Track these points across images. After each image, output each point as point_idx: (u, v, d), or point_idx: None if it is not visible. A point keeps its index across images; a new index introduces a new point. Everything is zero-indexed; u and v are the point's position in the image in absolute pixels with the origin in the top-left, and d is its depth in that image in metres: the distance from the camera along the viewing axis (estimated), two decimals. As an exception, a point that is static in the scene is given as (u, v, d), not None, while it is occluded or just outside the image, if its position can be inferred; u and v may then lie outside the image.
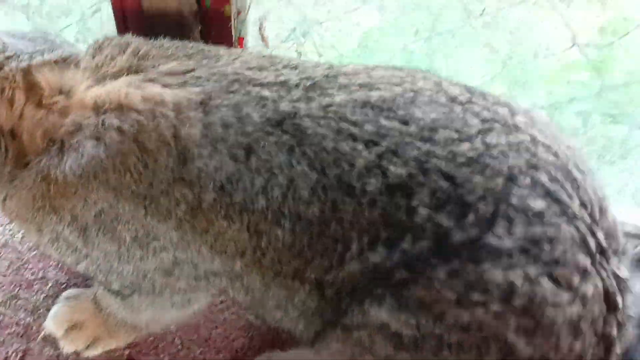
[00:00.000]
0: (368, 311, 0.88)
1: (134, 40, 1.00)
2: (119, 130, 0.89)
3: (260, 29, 1.32)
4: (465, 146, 0.84)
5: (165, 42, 1.02)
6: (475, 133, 0.85)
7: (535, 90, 2.24)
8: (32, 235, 1.04)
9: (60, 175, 0.91)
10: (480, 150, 0.83)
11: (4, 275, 1.38)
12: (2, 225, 1.47)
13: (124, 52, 0.98)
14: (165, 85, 0.92)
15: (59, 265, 1.40)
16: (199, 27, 1.24)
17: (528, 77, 2.12)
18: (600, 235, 0.87)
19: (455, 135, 0.84)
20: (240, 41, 1.29)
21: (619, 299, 0.87)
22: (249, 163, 0.88)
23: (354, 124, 0.85)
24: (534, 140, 0.88)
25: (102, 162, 0.89)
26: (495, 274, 0.81)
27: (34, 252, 1.43)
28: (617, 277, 0.88)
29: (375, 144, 0.84)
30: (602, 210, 0.89)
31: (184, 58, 0.96)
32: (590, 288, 0.84)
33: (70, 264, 1.05)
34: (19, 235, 1.46)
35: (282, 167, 0.87)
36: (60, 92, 0.95)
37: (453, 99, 0.88)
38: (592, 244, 0.85)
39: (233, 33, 1.26)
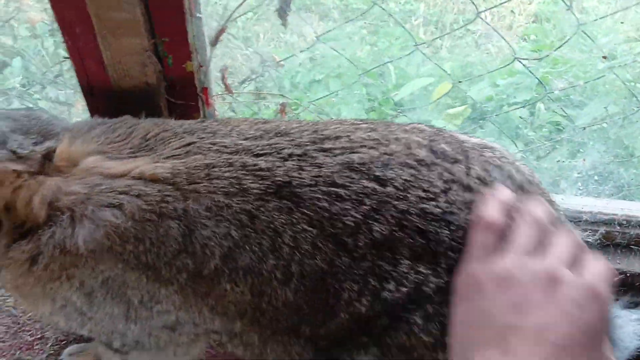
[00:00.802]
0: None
1: (141, 122, 1.07)
2: (141, 198, 0.94)
3: (222, 78, 1.38)
4: (432, 204, 0.92)
5: (168, 122, 1.07)
6: (439, 192, 0.92)
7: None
8: (38, 304, 1.05)
9: (74, 247, 0.94)
10: (444, 207, 0.91)
11: (3, 341, 1.42)
12: (-7, 291, 1.51)
13: (133, 132, 1.03)
14: (174, 159, 0.98)
15: (56, 324, 1.46)
16: (165, 85, 1.31)
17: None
18: None
19: (424, 195, 0.92)
20: (205, 91, 1.35)
21: None
22: (254, 226, 0.93)
23: (342, 186, 0.92)
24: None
25: (120, 230, 0.93)
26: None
27: (29, 314, 1.48)
28: None
29: (361, 203, 0.91)
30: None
31: (186, 135, 1.02)
32: None
33: (75, 327, 1.09)
34: (12, 299, 1.50)
35: (285, 226, 0.92)
36: (66, 160, 0.98)
37: (420, 162, 0.95)
38: None
39: (197, 85, 1.33)
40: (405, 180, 0.93)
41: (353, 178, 0.93)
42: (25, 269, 0.98)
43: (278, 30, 2.31)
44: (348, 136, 0.98)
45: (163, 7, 1.16)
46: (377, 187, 0.92)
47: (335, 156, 0.95)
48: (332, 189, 0.92)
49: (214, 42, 1.28)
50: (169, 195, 0.94)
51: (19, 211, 0.96)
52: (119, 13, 1.15)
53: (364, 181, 0.92)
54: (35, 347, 1.42)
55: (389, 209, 0.91)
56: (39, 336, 1.44)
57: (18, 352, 1.41)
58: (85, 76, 1.31)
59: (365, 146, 0.96)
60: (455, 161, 0.97)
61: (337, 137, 0.98)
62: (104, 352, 1.26)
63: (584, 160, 1.75)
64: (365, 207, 0.91)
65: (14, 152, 0.96)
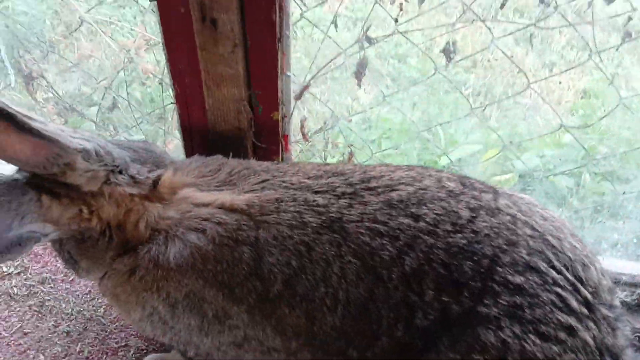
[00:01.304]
0: None
1: (229, 161, 1.25)
2: (221, 226, 1.11)
3: (301, 127, 1.60)
4: (458, 236, 1.04)
5: (250, 162, 1.25)
6: (466, 222, 1.05)
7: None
8: (130, 311, 1.22)
9: (165, 262, 1.11)
10: (469, 238, 1.04)
11: (92, 346, 1.62)
12: (86, 302, 1.72)
13: (221, 169, 1.22)
14: (251, 193, 1.16)
15: (138, 334, 1.64)
16: (253, 130, 1.53)
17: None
18: (585, 291, 1.05)
19: (451, 228, 1.05)
20: (285, 138, 1.57)
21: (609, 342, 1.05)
22: (311, 256, 1.08)
23: (382, 223, 1.06)
24: (513, 218, 1.07)
25: (202, 251, 1.11)
26: (488, 335, 1.00)
27: (116, 324, 1.67)
28: (608, 320, 1.05)
29: (397, 238, 1.05)
30: (586, 266, 1.07)
31: (263, 173, 1.20)
32: (577, 340, 1.02)
33: (158, 335, 1.24)
34: (102, 309, 1.71)
35: (335, 258, 1.07)
36: (168, 188, 1.17)
37: (449, 193, 1.09)
38: (574, 302, 1.03)
39: (280, 132, 1.55)
40: (436, 214, 1.07)
41: (392, 215, 1.07)
42: (125, 279, 1.16)
43: (351, 90, 2.52)
44: (390, 175, 1.14)
45: (261, 64, 1.40)
46: (411, 222, 1.06)
47: (378, 195, 1.11)
48: (374, 225, 1.07)
49: (298, 96, 1.51)
50: (244, 224, 1.11)
51: (127, 231, 1.15)
52: (225, 68, 1.39)
53: (401, 218, 1.07)
54: (119, 354, 1.60)
55: (419, 244, 1.05)
56: (123, 344, 1.62)
57: (104, 357, 1.59)
58: (187, 119, 1.55)
59: (403, 183, 1.12)
60: (483, 191, 1.11)
61: (381, 177, 1.14)
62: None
63: (624, 223, 1.87)
64: (400, 242, 1.05)
65: (132, 178, 1.15)
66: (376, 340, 1.08)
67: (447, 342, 1.03)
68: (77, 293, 1.74)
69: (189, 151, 1.61)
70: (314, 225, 1.09)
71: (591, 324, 1.04)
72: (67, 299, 1.72)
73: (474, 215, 1.07)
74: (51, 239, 1.13)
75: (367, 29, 1.36)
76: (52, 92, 2.15)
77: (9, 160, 1.00)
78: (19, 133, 0.97)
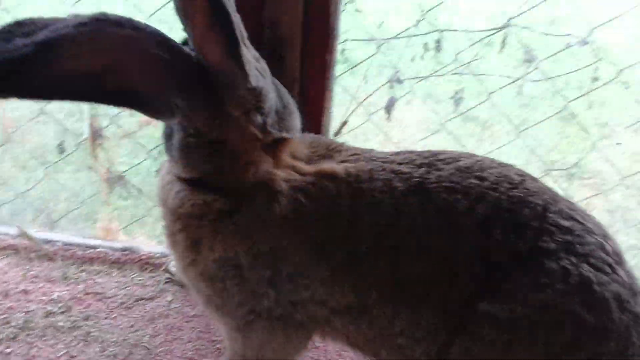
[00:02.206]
0: (478, 308, 1.20)
1: (325, 138, 1.48)
2: (322, 190, 1.28)
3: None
4: (515, 191, 1.27)
5: (341, 142, 1.46)
6: (518, 183, 1.28)
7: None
8: (206, 249, 1.29)
9: (266, 213, 1.25)
10: (524, 192, 1.26)
11: (140, 368, 1.66)
12: (131, 333, 1.79)
13: (320, 144, 1.42)
14: (347, 163, 1.34)
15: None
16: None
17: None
18: (610, 247, 1.25)
19: (509, 185, 1.27)
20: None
21: (636, 289, 1.24)
22: (399, 215, 1.26)
23: (456, 182, 1.27)
24: (548, 187, 1.33)
25: (303, 210, 1.26)
26: (551, 264, 1.18)
27: (161, 349, 1.73)
28: (629, 276, 1.24)
29: (468, 194, 1.26)
30: (607, 236, 1.28)
31: (352, 149, 1.40)
32: (617, 277, 1.20)
33: (216, 289, 1.32)
34: (147, 337, 1.77)
35: (419, 214, 1.25)
36: (286, 153, 1.32)
37: (500, 164, 1.35)
38: (609, 249, 1.24)
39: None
40: (496, 177, 1.30)
41: (462, 177, 1.29)
42: (218, 218, 1.28)
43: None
44: (451, 153, 1.39)
45: (312, 99, 1.73)
46: (478, 182, 1.28)
47: (448, 164, 1.33)
48: (450, 184, 1.28)
49: (337, 132, 1.82)
50: (343, 190, 1.29)
51: (235, 166, 1.26)
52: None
53: (470, 179, 1.29)
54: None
55: (486, 197, 1.26)
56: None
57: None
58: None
59: (464, 157, 1.36)
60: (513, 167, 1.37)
61: (445, 153, 1.38)
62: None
63: None
64: (471, 196, 1.26)
65: (265, 125, 1.27)
66: (457, 279, 1.23)
67: (519, 272, 1.20)
68: (121, 326, 1.81)
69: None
70: (401, 189, 1.28)
71: (621, 270, 1.23)
72: (111, 331, 1.79)
73: (523, 178, 1.31)
74: (177, 117, 1.21)
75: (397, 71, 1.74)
76: None
77: (197, 47, 1.13)
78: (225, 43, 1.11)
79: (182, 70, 1.15)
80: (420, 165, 1.33)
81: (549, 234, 1.22)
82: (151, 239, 2.28)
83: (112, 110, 2.11)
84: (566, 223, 1.24)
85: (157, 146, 2.16)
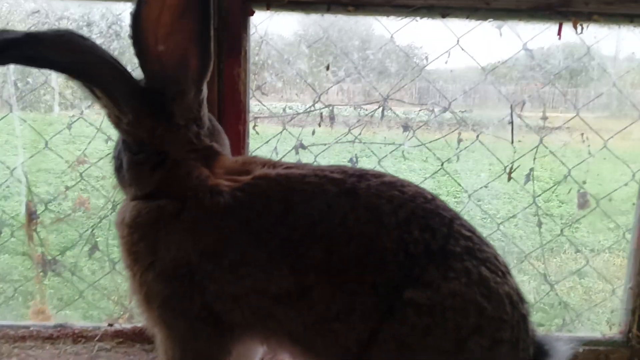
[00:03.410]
0: (404, 295, 1.38)
1: (260, 157, 1.65)
2: (256, 187, 1.48)
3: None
4: (428, 205, 1.47)
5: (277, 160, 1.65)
6: (431, 199, 1.51)
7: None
8: (160, 249, 1.46)
9: (211, 206, 1.44)
10: (435, 206, 1.49)
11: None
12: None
13: (256, 161, 1.61)
14: (280, 170, 1.53)
15: None
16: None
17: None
18: (501, 259, 1.51)
19: (423, 200, 1.49)
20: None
21: (522, 296, 1.49)
22: (330, 211, 1.44)
23: (382, 192, 1.47)
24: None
25: (241, 201, 1.45)
26: (457, 263, 1.41)
27: None
28: (516, 286, 1.50)
29: (392, 201, 1.46)
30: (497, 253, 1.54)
31: (285, 163, 1.61)
32: (508, 282, 1.45)
33: (166, 287, 1.46)
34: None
35: (350, 211, 1.44)
36: (220, 168, 1.53)
37: (416, 185, 1.55)
38: (501, 260, 1.50)
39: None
40: (415, 191, 1.50)
41: (387, 188, 1.49)
42: (169, 219, 1.47)
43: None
44: (377, 172, 1.57)
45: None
46: (400, 194, 1.48)
47: (376, 177, 1.52)
48: (377, 191, 1.47)
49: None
50: (274, 187, 1.48)
51: (178, 174, 1.50)
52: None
53: (393, 191, 1.48)
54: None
55: (406, 205, 1.46)
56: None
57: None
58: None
59: (388, 176, 1.55)
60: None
61: (372, 171, 1.56)
62: None
63: None
64: (394, 203, 1.46)
65: (201, 137, 1.54)
66: (385, 265, 1.41)
67: (432, 267, 1.40)
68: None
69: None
70: (334, 191, 1.47)
71: (510, 279, 1.49)
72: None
73: (434, 197, 1.54)
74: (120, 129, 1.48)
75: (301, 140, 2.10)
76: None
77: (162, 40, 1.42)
78: (197, 45, 1.44)
79: (133, 85, 1.44)
80: (351, 176, 1.52)
81: (455, 239, 1.45)
82: (85, 318, 2.38)
83: (47, 195, 2.32)
84: (468, 233, 1.49)
85: (87, 229, 2.36)
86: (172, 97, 1.47)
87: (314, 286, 1.43)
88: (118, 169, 1.57)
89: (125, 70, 1.43)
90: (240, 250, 1.45)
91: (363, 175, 1.52)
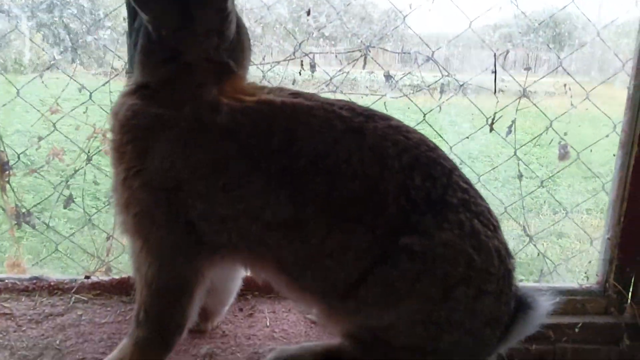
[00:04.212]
0: (400, 241, 1.39)
1: (275, 86, 1.60)
2: (259, 112, 1.43)
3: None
4: (431, 153, 1.48)
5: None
6: (434, 148, 1.51)
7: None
8: (153, 156, 1.42)
9: (209, 121, 1.41)
10: (437, 155, 1.49)
11: (51, 362, 1.71)
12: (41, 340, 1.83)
13: (266, 87, 1.56)
14: (286, 98, 1.49)
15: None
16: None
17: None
18: (493, 213, 1.53)
19: (427, 148, 1.49)
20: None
21: (509, 252, 1.52)
22: (336, 147, 1.42)
23: (388, 134, 1.47)
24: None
25: (241, 122, 1.42)
26: (451, 215, 1.42)
27: (72, 349, 1.79)
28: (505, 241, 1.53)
29: (397, 145, 1.46)
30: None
31: (294, 90, 1.56)
32: (498, 236, 1.48)
33: (159, 194, 1.43)
34: (58, 342, 1.83)
35: (355, 150, 1.42)
36: (232, 87, 1.48)
37: (420, 133, 1.55)
38: (493, 214, 1.52)
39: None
40: (418, 139, 1.50)
41: (393, 132, 1.48)
42: (166, 127, 1.44)
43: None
44: (384, 114, 1.57)
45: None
46: (404, 139, 1.48)
47: (383, 120, 1.51)
48: (383, 133, 1.46)
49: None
50: (278, 115, 1.45)
51: (190, 80, 1.45)
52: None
53: (398, 135, 1.48)
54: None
55: (411, 151, 1.46)
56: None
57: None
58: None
59: (394, 120, 1.55)
60: None
61: (380, 113, 1.55)
62: None
63: None
64: (399, 147, 1.45)
65: (220, 50, 1.48)
66: (386, 208, 1.42)
67: (429, 215, 1.42)
68: (31, 336, 1.86)
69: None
70: (340, 128, 1.45)
71: (500, 233, 1.52)
72: (20, 339, 1.83)
73: (436, 147, 1.55)
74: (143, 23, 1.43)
75: (279, 86, 2.05)
76: None
77: None
78: None
79: None
80: (359, 114, 1.50)
81: (453, 190, 1.46)
82: (60, 271, 2.35)
83: (19, 146, 2.25)
84: (465, 185, 1.50)
85: (62, 181, 2.31)
86: (197, 3, 1.41)
87: (311, 219, 1.42)
88: (133, 46, 1.51)
89: None
90: (235, 173, 1.42)
91: (371, 116, 1.50)
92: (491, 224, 1.47)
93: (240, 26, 1.54)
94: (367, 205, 1.42)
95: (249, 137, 1.42)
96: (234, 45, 1.50)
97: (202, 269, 1.51)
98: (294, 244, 1.44)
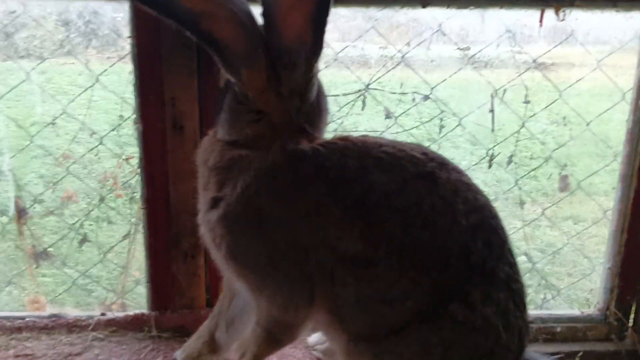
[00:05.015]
0: (449, 307, 1.38)
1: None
2: (336, 144, 1.44)
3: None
4: (492, 220, 1.47)
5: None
6: (495, 214, 1.49)
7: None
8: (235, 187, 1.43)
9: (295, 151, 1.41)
10: (497, 221, 1.48)
11: None
12: None
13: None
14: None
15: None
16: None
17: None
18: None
19: (489, 214, 1.47)
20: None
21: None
22: (406, 187, 1.39)
23: (458, 189, 1.43)
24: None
25: (321, 154, 1.42)
26: (493, 292, 1.41)
27: None
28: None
29: (466, 202, 1.43)
30: None
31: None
32: (524, 316, 1.48)
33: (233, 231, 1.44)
34: None
35: (426, 195, 1.39)
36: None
37: (485, 196, 1.52)
38: (524, 295, 1.50)
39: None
40: (483, 202, 1.48)
41: (463, 188, 1.45)
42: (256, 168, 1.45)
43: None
44: (455, 166, 1.52)
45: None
46: (473, 198, 1.45)
47: (455, 172, 1.48)
48: (454, 187, 1.43)
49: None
50: (349, 146, 1.45)
51: (266, 135, 1.47)
52: (188, 165, 2.03)
53: (468, 193, 1.44)
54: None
55: (477, 211, 1.44)
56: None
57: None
58: (154, 218, 2.10)
59: (465, 175, 1.51)
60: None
61: (451, 163, 1.51)
62: None
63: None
64: (468, 205, 1.42)
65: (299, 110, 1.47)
66: (448, 266, 1.39)
67: (479, 289, 1.40)
68: (51, 379, 1.96)
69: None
70: (412, 171, 1.42)
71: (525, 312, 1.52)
72: (42, 384, 1.94)
73: (497, 215, 1.51)
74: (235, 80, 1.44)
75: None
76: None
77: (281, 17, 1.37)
78: (312, 27, 1.36)
79: (255, 41, 1.40)
80: (432, 160, 1.46)
81: (503, 263, 1.45)
82: (78, 306, 2.46)
83: (36, 190, 2.35)
84: (512, 260, 1.49)
85: (77, 220, 2.41)
86: (284, 65, 1.42)
87: (382, 261, 1.39)
88: (218, 105, 1.56)
89: (250, 25, 1.40)
90: (316, 198, 1.40)
91: (444, 165, 1.47)
92: (522, 304, 1.49)
93: (319, 87, 1.56)
94: (435, 259, 1.40)
95: (326, 162, 1.42)
96: (313, 107, 1.52)
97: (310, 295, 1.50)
98: (360, 284, 1.41)
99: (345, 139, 1.47)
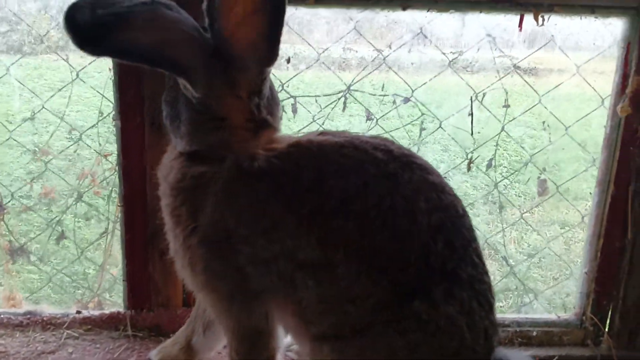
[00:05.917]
0: (413, 305, 1.39)
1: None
2: (289, 155, 1.45)
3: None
4: (457, 220, 1.47)
5: None
6: (462, 215, 1.49)
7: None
8: (200, 211, 1.46)
9: (247, 169, 1.43)
10: (461, 223, 1.48)
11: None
12: None
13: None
14: (313, 138, 1.50)
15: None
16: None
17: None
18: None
19: (455, 213, 1.47)
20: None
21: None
22: (366, 189, 1.40)
23: (422, 189, 1.44)
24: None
25: (275, 167, 1.43)
26: (456, 291, 1.42)
27: None
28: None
29: (428, 201, 1.43)
30: None
31: (322, 131, 1.61)
32: (491, 316, 1.49)
33: (204, 247, 1.46)
34: None
35: (387, 195, 1.40)
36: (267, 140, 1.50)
37: (453, 194, 1.53)
38: (491, 295, 1.50)
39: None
40: (450, 202, 1.48)
41: (427, 187, 1.45)
42: (214, 181, 1.48)
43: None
44: (424, 162, 1.52)
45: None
46: (437, 198, 1.45)
47: (421, 170, 1.47)
48: (417, 187, 1.44)
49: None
50: (307, 155, 1.45)
51: (232, 140, 1.49)
52: (165, 159, 2.02)
53: (433, 193, 1.45)
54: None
55: (441, 212, 1.44)
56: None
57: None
58: (132, 217, 2.09)
59: (432, 173, 1.50)
60: None
61: (419, 160, 1.51)
62: None
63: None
64: (430, 204, 1.43)
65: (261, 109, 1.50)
66: (408, 267, 1.40)
67: (440, 288, 1.41)
68: (23, 376, 1.94)
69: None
70: (373, 172, 1.43)
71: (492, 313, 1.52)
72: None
73: (464, 214, 1.52)
74: (183, 86, 1.45)
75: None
76: None
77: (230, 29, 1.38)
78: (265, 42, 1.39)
79: (209, 52, 1.41)
80: (396, 159, 1.47)
81: (465, 264, 1.45)
82: (54, 304, 2.44)
83: (13, 186, 2.33)
84: (476, 260, 1.48)
85: (55, 217, 2.39)
86: (238, 68, 1.44)
87: (341, 263, 1.41)
88: (172, 118, 1.56)
89: (200, 38, 1.40)
90: (273, 214, 1.43)
91: (409, 164, 1.48)
92: (487, 304, 1.49)
93: (270, 80, 1.58)
94: (393, 259, 1.42)
95: (281, 177, 1.44)
96: (269, 99, 1.55)
97: (268, 313, 1.55)
98: (321, 285, 1.44)
99: (298, 145, 1.48)
